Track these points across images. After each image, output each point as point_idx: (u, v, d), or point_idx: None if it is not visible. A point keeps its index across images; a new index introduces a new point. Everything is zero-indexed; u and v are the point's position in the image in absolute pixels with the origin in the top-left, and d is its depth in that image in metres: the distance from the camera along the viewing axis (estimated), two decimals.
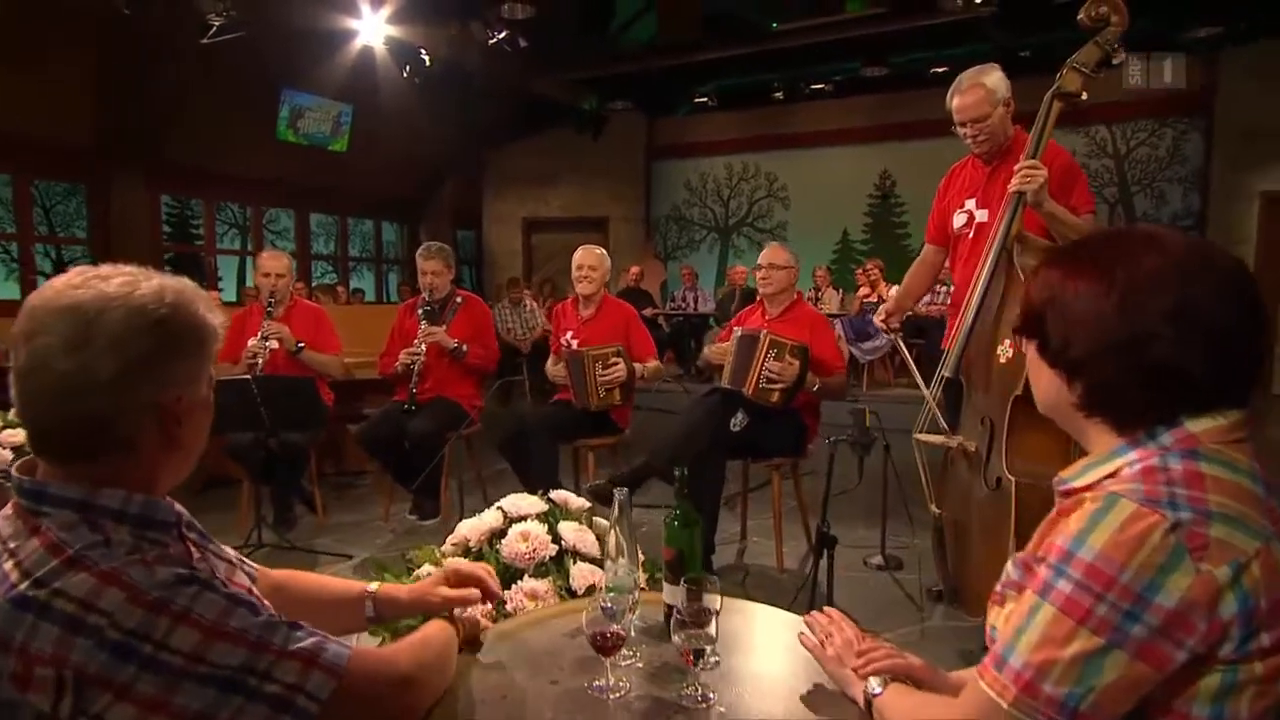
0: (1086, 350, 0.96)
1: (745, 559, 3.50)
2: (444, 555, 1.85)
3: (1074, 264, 1.01)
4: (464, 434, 4.08)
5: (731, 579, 3.12)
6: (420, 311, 4.14)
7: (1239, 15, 8.20)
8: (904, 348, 2.77)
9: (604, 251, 4.01)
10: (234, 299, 9.23)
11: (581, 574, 1.74)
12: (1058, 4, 6.64)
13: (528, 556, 1.76)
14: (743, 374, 3.20)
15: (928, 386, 2.67)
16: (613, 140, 11.26)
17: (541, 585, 1.70)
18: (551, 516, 1.91)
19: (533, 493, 3.49)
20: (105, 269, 0.93)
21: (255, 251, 10.18)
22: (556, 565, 1.77)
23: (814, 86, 10.15)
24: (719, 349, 3.43)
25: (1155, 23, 8.47)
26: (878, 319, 2.92)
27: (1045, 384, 1.05)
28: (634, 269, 9.29)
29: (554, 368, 3.92)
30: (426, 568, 1.87)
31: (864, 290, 7.95)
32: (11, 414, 3.21)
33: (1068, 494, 1.00)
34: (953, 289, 2.98)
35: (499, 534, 1.84)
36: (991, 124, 2.68)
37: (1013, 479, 2.22)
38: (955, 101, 2.75)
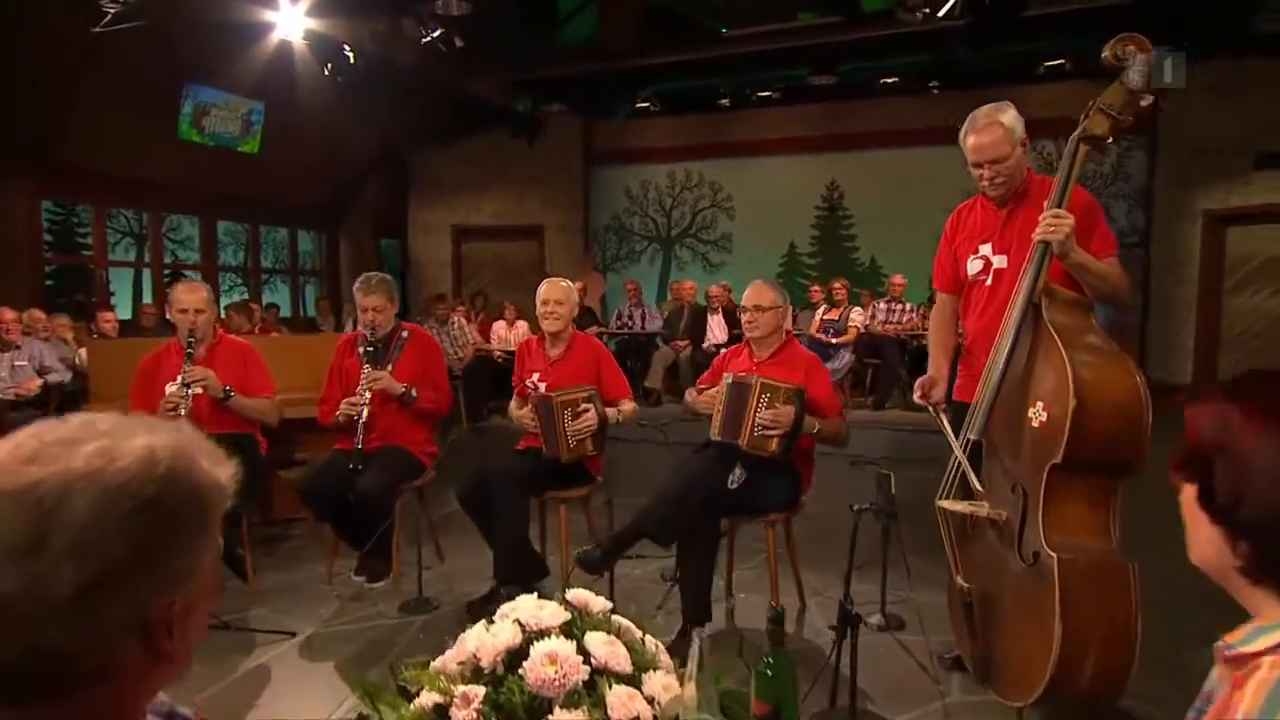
0: (1263, 513, 0.87)
1: (737, 620, 3.37)
2: (451, 681, 1.64)
3: (1262, 408, 0.90)
4: (417, 486, 3.84)
5: (728, 648, 2.97)
6: (361, 351, 3.87)
7: (1183, 35, 8.60)
8: (943, 420, 2.66)
9: (570, 284, 3.82)
10: (129, 315, 8.62)
11: (620, 702, 1.56)
12: (1025, 17, 6.82)
13: (558, 684, 1.56)
14: (735, 424, 3.06)
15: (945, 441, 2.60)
16: (549, 145, 11.04)
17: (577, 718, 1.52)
18: (575, 627, 1.72)
19: (501, 550, 3.32)
20: (73, 424, 0.71)
21: (154, 263, 9.56)
22: (589, 691, 1.59)
23: (761, 94, 10.18)
24: (706, 397, 3.27)
25: (1101, 40, 8.83)
26: (917, 396, 2.82)
27: (1202, 538, 0.94)
28: (576, 285, 9.07)
29: (520, 412, 3.69)
30: (429, 695, 1.66)
31: (824, 309, 7.96)
32: None
33: (1236, 660, 0.90)
34: (963, 338, 2.91)
35: (518, 653, 1.65)
36: (1010, 165, 2.62)
37: (1054, 555, 2.14)
38: (971, 140, 2.68)
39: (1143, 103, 2.32)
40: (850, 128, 10.36)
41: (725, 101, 10.21)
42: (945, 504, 2.46)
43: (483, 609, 3.30)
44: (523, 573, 3.41)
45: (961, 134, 2.71)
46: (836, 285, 8.06)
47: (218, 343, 3.75)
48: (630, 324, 8.83)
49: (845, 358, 7.63)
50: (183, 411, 3.39)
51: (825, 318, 7.85)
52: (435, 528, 4.04)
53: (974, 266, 2.76)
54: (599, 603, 1.85)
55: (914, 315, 8.13)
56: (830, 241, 10.88)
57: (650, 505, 2.97)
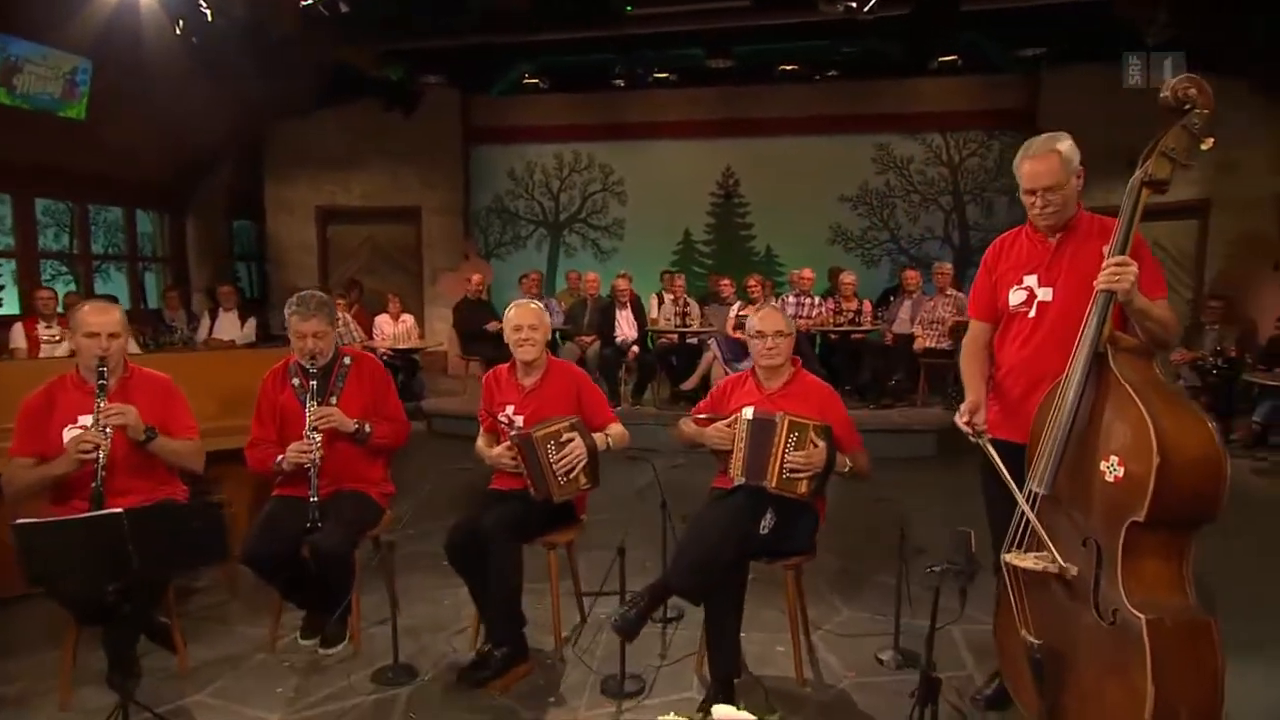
0: None
1: (755, 667, 3.28)
2: None
3: None
4: (375, 535, 3.50)
5: (754, 700, 2.90)
6: (294, 384, 3.46)
7: (1057, 38, 9.23)
8: (992, 450, 2.65)
9: (542, 306, 3.57)
10: None
11: None
12: (965, 11, 7.05)
13: None
14: (760, 465, 2.96)
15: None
16: (426, 119, 10.48)
17: None
18: None
19: (498, 611, 3.08)
20: None
21: None
22: None
23: (658, 75, 10.07)
24: (719, 432, 3.14)
25: (985, 39, 9.34)
26: (961, 421, 2.78)
27: None
28: (475, 277, 8.69)
29: (494, 450, 3.40)
30: None
31: (739, 306, 7.98)
32: None
33: None
34: (996, 369, 2.92)
35: None
36: (1065, 194, 2.64)
37: (1141, 617, 2.18)
38: (1026, 167, 2.69)
39: (1203, 146, 2.37)
40: (748, 113, 10.46)
41: (620, 82, 10.00)
42: (1013, 559, 2.47)
43: (475, 675, 3.08)
44: (516, 631, 3.19)
45: (1016, 160, 2.71)
46: (752, 282, 8.11)
47: (129, 376, 3.25)
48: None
49: None
50: (101, 456, 2.92)
51: (740, 314, 7.88)
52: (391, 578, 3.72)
53: (1017, 297, 2.77)
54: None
55: (823, 309, 8.32)
56: (726, 230, 10.99)
57: (681, 561, 2.84)
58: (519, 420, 3.40)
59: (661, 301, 9.05)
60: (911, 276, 8.41)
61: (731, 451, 3.09)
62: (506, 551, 3.13)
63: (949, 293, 7.94)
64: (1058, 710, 2.44)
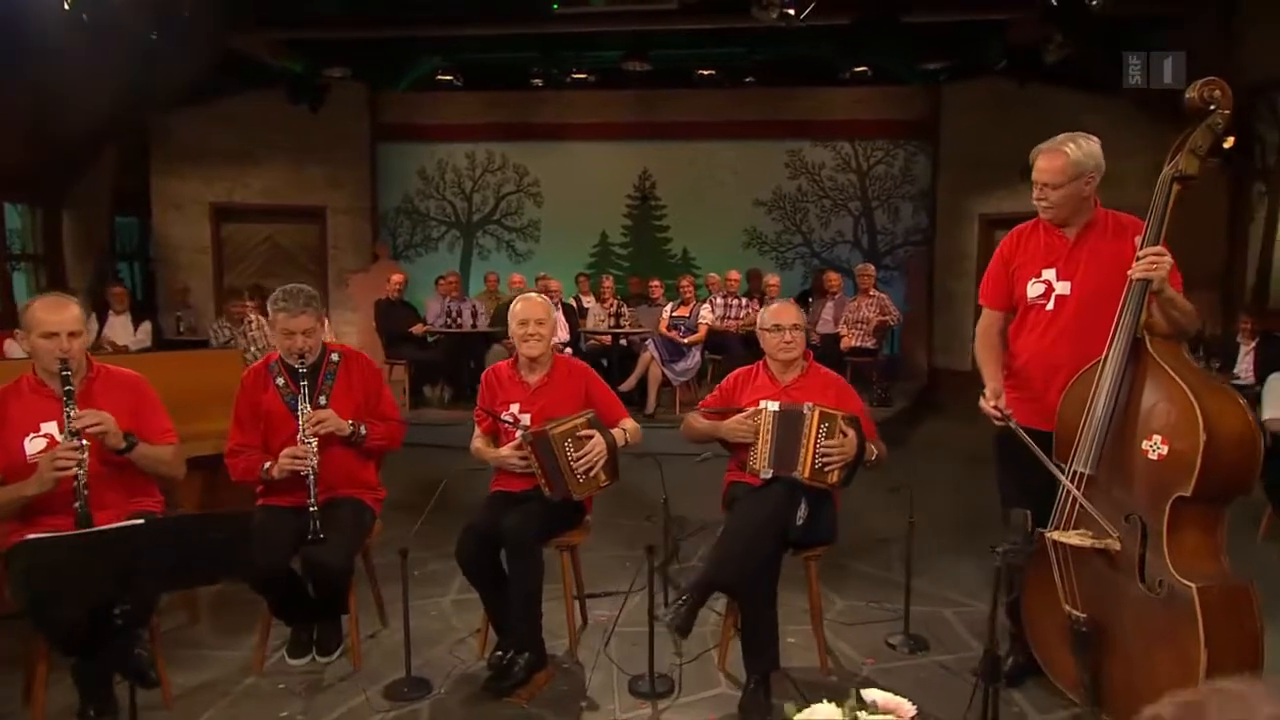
0: None
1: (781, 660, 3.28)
2: None
3: None
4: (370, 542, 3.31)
5: (784, 691, 2.90)
6: (279, 384, 3.23)
7: (956, 54, 9.76)
8: (1022, 431, 2.75)
9: (548, 300, 3.48)
10: None
11: None
12: (905, 23, 7.32)
13: None
14: (790, 456, 2.98)
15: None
16: (332, 115, 10.01)
17: None
18: None
19: (520, 617, 2.96)
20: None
21: None
22: None
23: (576, 75, 10.00)
24: (740, 425, 3.13)
25: (890, 53, 9.76)
26: (989, 407, 2.86)
27: None
28: (396, 277, 8.33)
29: (500, 451, 3.26)
30: None
31: (673, 306, 8.01)
32: None
33: None
34: (1013, 359, 3.04)
35: None
36: (1064, 193, 2.78)
37: (1191, 585, 2.33)
38: (1038, 161, 2.82)
39: (1225, 144, 2.55)
40: (664, 116, 10.55)
41: (538, 81, 9.87)
42: (1058, 535, 2.58)
43: (499, 685, 2.95)
44: (537, 637, 3.08)
45: (1033, 153, 2.83)
46: (685, 283, 8.15)
47: (95, 376, 2.93)
48: (459, 322, 8.27)
49: (695, 356, 7.77)
50: (81, 472, 2.62)
51: (675, 315, 7.92)
52: (378, 581, 3.53)
53: (1035, 290, 2.90)
54: (906, 706, 1.71)
55: (749, 310, 8.47)
56: (642, 232, 11.03)
57: (724, 555, 2.83)
58: (525, 419, 3.28)
59: (579, 304, 8.99)
60: (833, 279, 8.69)
61: (751, 445, 3.10)
62: (528, 554, 3.03)
63: (872, 294, 8.25)
64: (1102, 680, 2.56)
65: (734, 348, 8.05)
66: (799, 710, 1.66)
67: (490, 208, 11.08)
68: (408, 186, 11.00)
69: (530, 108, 10.64)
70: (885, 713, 1.64)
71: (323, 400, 3.20)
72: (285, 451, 3.04)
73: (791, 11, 6.70)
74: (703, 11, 8.05)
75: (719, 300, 8.53)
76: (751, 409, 3.17)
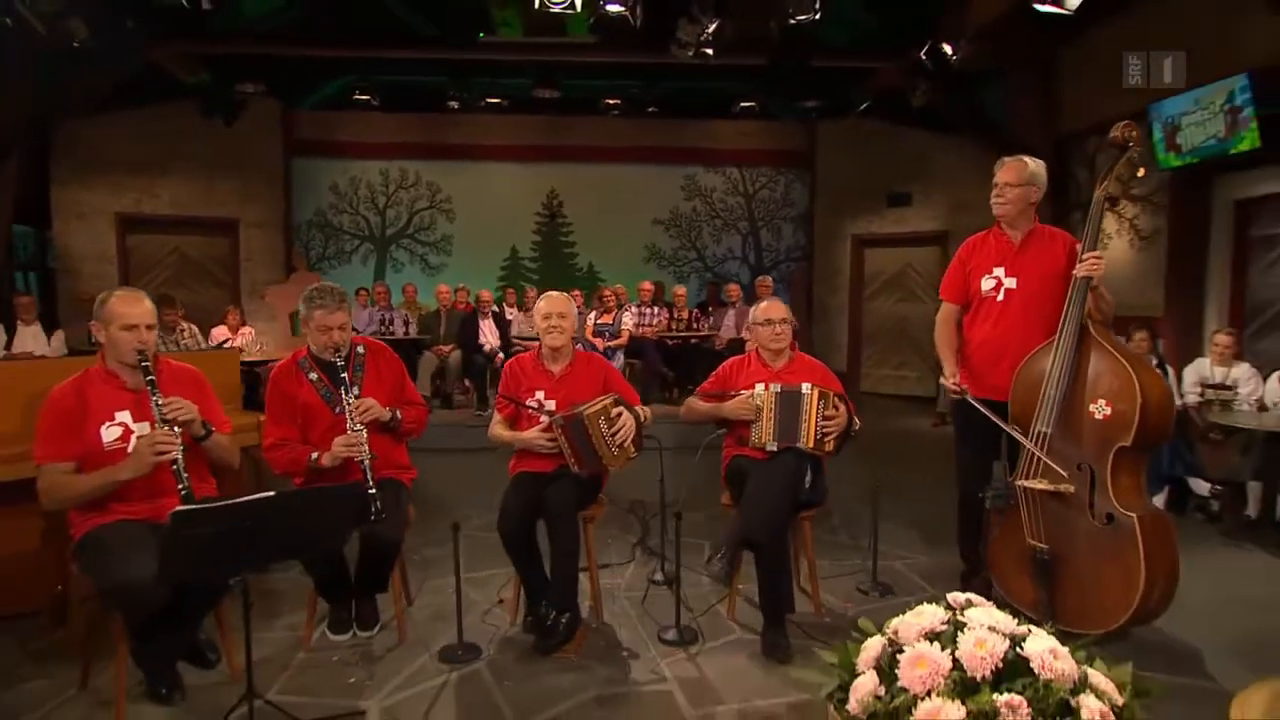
0: None
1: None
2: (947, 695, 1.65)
3: None
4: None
5: (793, 635, 3.17)
6: (313, 378, 3.25)
7: (828, 94, 10.52)
8: (976, 403, 3.17)
9: (569, 297, 3.62)
10: None
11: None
12: (814, 68, 7.80)
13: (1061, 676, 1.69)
14: (793, 430, 3.28)
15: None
16: (244, 129, 9.59)
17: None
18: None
19: (561, 580, 3.09)
20: None
21: None
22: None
23: (490, 100, 10.04)
24: (740, 406, 3.39)
25: (771, 93, 10.39)
26: (950, 384, 3.29)
27: None
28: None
29: (527, 434, 3.38)
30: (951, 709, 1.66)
31: (597, 314, 8.20)
32: None
33: None
34: (966, 344, 3.47)
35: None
36: (1014, 193, 3.27)
37: (1133, 515, 2.81)
38: (1002, 168, 3.30)
39: (1140, 174, 3.07)
40: (573, 140, 10.75)
41: (454, 104, 9.83)
42: (1027, 483, 3.00)
43: (548, 643, 3.09)
44: (576, 598, 3.23)
45: (997, 166, 3.29)
46: (607, 292, 8.38)
47: (161, 369, 2.87)
48: (391, 330, 8.15)
49: (620, 358, 8.01)
50: (179, 456, 2.58)
51: (599, 322, 8.13)
52: (402, 560, 3.56)
53: (987, 284, 3.35)
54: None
55: (661, 318, 8.79)
56: (551, 247, 11.16)
57: (751, 514, 3.08)
58: (550, 405, 3.42)
59: (501, 312, 9.04)
60: (733, 290, 9.15)
61: (753, 422, 3.39)
62: (570, 524, 3.19)
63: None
64: (1062, 598, 2.99)
65: (649, 352, 8.33)
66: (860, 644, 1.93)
67: (404, 222, 10.90)
68: (320, 200, 10.66)
69: (444, 129, 10.58)
70: (985, 611, 1.92)
71: (356, 391, 3.23)
72: (338, 440, 3.05)
73: (709, 51, 7.08)
74: (618, 46, 8.34)
75: (634, 309, 8.80)
76: (749, 391, 3.45)
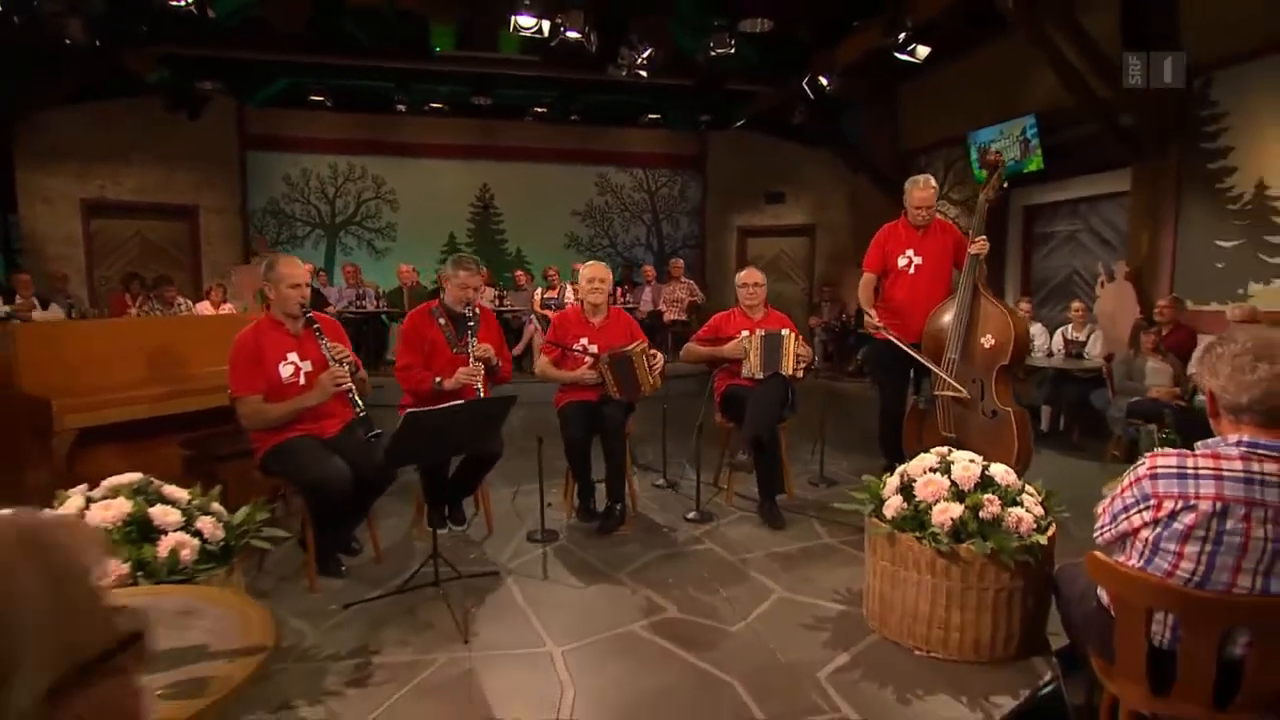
0: None
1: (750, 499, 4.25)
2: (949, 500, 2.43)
3: None
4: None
5: (784, 507, 3.91)
6: (441, 323, 3.62)
7: (716, 110, 11.32)
8: (899, 341, 4.02)
9: (607, 265, 4.15)
10: None
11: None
12: (727, 89, 8.44)
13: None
14: (774, 363, 4.00)
15: (914, 362, 4.03)
16: (201, 123, 9.24)
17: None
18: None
19: (615, 479, 3.67)
20: None
21: None
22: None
23: (433, 104, 10.13)
24: (733, 348, 4.07)
25: (677, 109, 11.08)
26: (872, 325, 4.11)
27: None
28: (306, 266, 8.05)
29: (578, 370, 3.90)
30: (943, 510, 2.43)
31: (544, 289, 8.63)
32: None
33: None
34: (886, 302, 4.29)
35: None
36: (933, 209, 4.12)
37: (1010, 410, 3.73)
38: (919, 194, 4.10)
39: (1004, 185, 3.98)
40: (504, 141, 10.99)
41: (402, 107, 9.86)
42: (943, 393, 3.86)
43: (609, 524, 3.67)
44: (624, 491, 3.81)
45: (910, 185, 4.10)
46: (552, 271, 8.81)
47: (318, 319, 3.20)
48: (364, 304, 8.25)
49: None
50: (352, 385, 3.00)
51: (546, 295, 8.58)
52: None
53: (902, 261, 4.20)
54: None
55: None
56: (484, 235, 11.38)
57: (753, 419, 3.77)
58: (593, 348, 3.96)
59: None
60: (649, 271, 9.82)
61: (745, 358, 4.08)
62: (621, 435, 3.77)
63: (683, 280, 9.50)
64: None
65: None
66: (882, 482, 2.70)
67: (351, 211, 10.79)
68: (273, 190, 10.38)
69: (387, 128, 10.54)
70: (964, 453, 2.70)
71: (473, 340, 3.62)
72: (462, 370, 3.46)
73: (643, 73, 7.65)
74: (555, 63, 8.73)
75: (571, 287, 9.27)
76: (738, 337, 4.14)
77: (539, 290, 8.76)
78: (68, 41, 6.49)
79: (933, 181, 4.15)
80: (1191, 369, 5.06)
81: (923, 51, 7.07)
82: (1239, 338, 1.66)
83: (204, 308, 7.88)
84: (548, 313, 8.53)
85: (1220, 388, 1.66)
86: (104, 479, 2.21)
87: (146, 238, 9.48)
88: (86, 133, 8.67)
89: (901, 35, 6.88)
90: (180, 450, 3.52)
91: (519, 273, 9.28)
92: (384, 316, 8.54)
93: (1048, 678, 2.36)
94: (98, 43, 6.82)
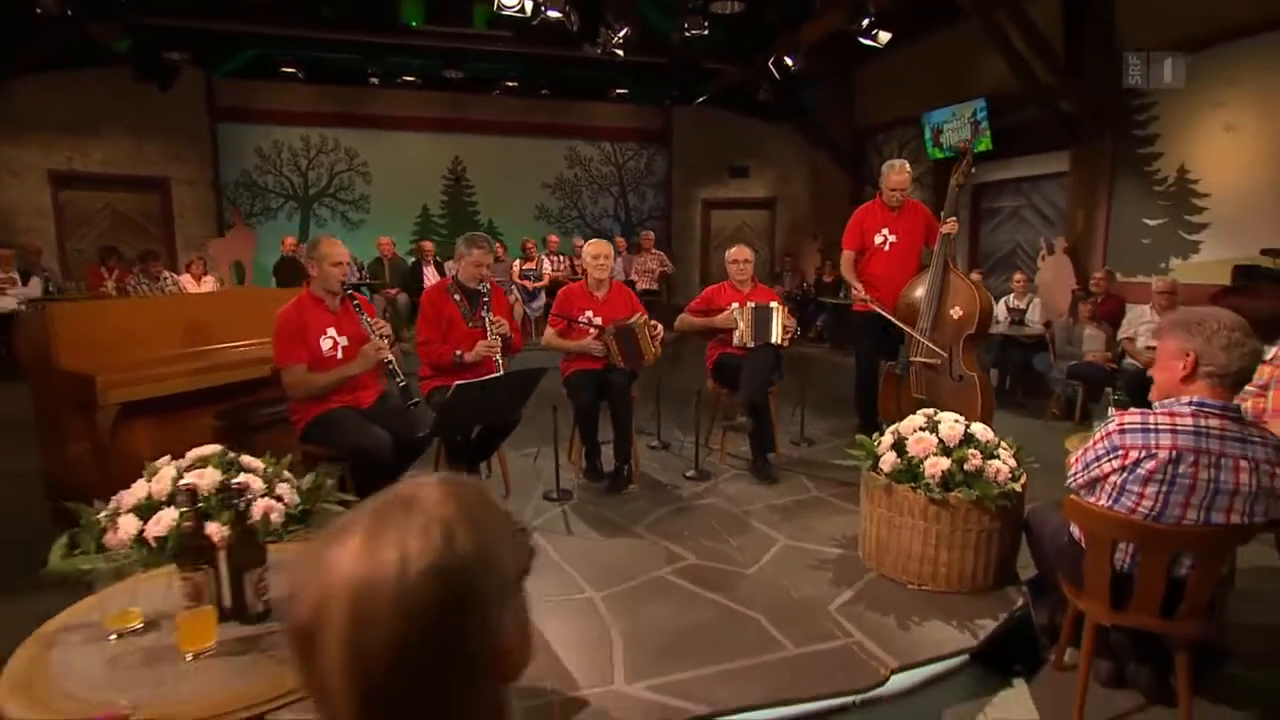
0: None
1: (741, 460, 4.49)
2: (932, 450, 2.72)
3: None
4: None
5: (779, 467, 4.17)
6: (456, 299, 3.72)
7: (682, 86, 11.37)
8: (882, 309, 4.28)
9: (609, 243, 4.28)
10: None
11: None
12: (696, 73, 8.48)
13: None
14: (764, 333, 4.22)
15: (892, 330, 4.31)
16: (170, 94, 8.90)
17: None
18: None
19: (622, 440, 3.87)
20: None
21: None
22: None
23: (406, 78, 9.93)
24: (725, 319, 4.27)
25: (643, 85, 11.09)
26: (858, 296, 4.35)
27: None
28: (288, 240, 7.96)
29: (584, 341, 4.05)
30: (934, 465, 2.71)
31: (522, 261, 8.67)
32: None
33: None
34: (865, 275, 4.54)
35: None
36: (907, 192, 4.36)
37: (975, 375, 4.05)
38: (895, 177, 4.32)
39: (972, 170, 4.24)
40: (476, 114, 10.86)
41: (375, 80, 9.64)
42: (918, 359, 4.16)
43: (618, 483, 3.88)
44: (630, 452, 4.02)
45: (887, 168, 4.32)
46: (529, 243, 8.85)
47: (356, 296, 3.28)
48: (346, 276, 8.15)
49: (543, 296, 8.60)
50: (393, 357, 3.12)
51: (525, 267, 8.63)
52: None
53: (879, 239, 4.45)
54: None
55: (565, 263, 9.40)
56: (456, 206, 11.28)
57: (748, 384, 3.99)
58: (597, 320, 4.12)
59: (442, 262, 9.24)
60: (620, 242, 9.92)
61: (736, 328, 4.29)
62: (627, 401, 3.96)
63: (653, 251, 9.64)
64: None
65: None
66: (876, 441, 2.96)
67: (325, 184, 10.57)
68: (245, 162, 10.08)
69: (358, 100, 10.32)
70: (949, 414, 2.97)
71: (486, 315, 3.74)
72: (481, 343, 3.59)
73: (619, 52, 7.66)
74: (531, 39, 8.65)
75: (547, 257, 9.35)
76: (729, 309, 4.34)
77: (517, 262, 8.80)
78: (38, 10, 6.19)
79: (907, 166, 4.39)
80: (1122, 334, 5.49)
81: (884, 37, 7.27)
82: (1221, 316, 1.94)
83: (186, 281, 7.70)
84: (526, 283, 8.62)
85: (1211, 357, 1.93)
86: (143, 451, 2.29)
87: (117, 209, 9.14)
88: (54, 103, 8.27)
89: (865, 21, 7.06)
90: (214, 421, 3.57)
91: (496, 245, 9.25)
92: (365, 288, 8.46)
93: (1019, 604, 2.68)
94: (69, 12, 6.53)
